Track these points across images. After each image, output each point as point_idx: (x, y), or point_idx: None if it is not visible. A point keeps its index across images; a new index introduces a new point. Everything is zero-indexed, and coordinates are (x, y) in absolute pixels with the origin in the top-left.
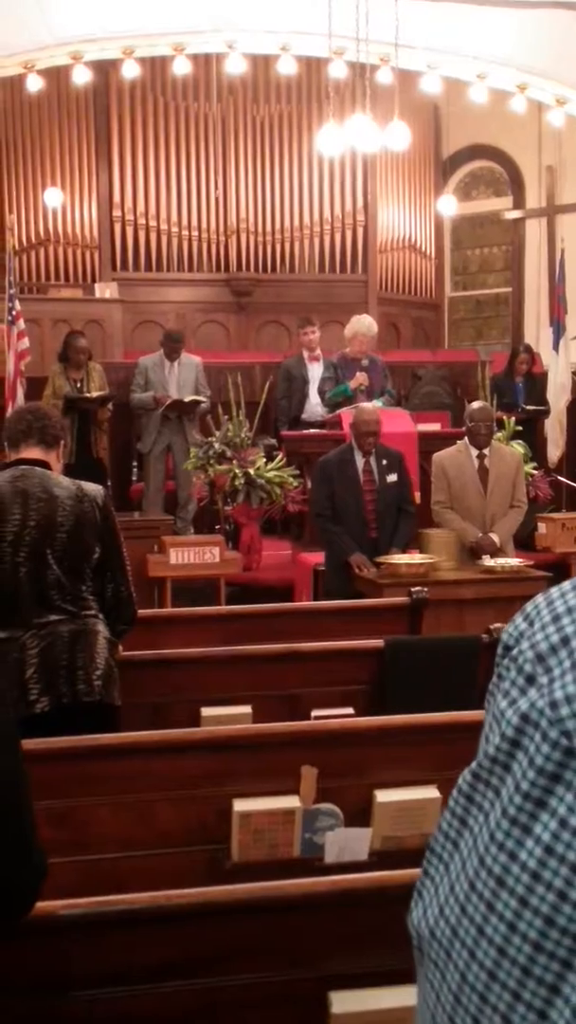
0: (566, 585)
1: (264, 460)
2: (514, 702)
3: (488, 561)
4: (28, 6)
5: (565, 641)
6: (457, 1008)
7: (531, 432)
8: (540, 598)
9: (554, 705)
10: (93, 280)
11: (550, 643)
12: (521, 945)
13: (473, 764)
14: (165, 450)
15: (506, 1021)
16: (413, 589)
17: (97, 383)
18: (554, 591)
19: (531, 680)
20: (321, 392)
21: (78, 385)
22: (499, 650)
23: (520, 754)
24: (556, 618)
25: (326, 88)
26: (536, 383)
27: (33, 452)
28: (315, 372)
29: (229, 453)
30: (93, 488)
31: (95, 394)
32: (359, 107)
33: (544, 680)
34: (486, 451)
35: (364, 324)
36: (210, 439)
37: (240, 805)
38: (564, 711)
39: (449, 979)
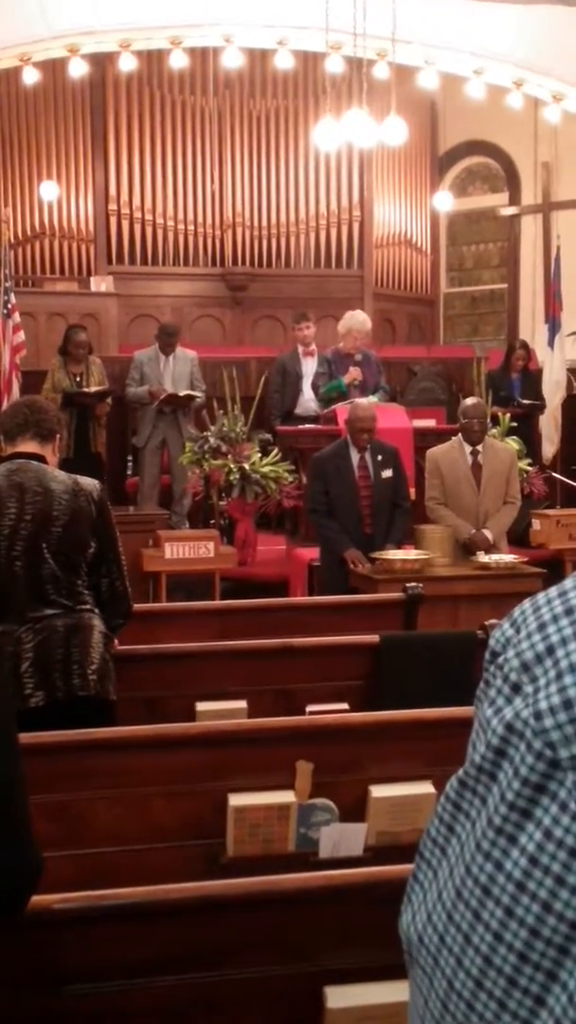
0: (553, 591)
1: (259, 455)
2: (499, 711)
3: (483, 557)
4: None
5: (551, 650)
6: (445, 1015)
7: (526, 429)
8: (527, 603)
9: (539, 715)
10: (89, 274)
11: (535, 652)
12: (507, 955)
13: (460, 771)
14: (160, 444)
15: None
16: (408, 585)
17: (96, 378)
18: (540, 597)
19: (516, 689)
20: (315, 387)
21: (77, 379)
22: (487, 656)
23: (505, 763)
24: (542, 626)
25: (323, 83)
26: (532, 379)
27: (29, 446)
28: (309, 367)
29: (224, 448)
30: (89, 482)
31: (93, 389)
32: (356, 102)
33: (529, 689)
34: (480, 447)
35: (358, 320)
36: (205, 434)
37: (235, 800)
38: (548, 722)
39: (437, 985)
